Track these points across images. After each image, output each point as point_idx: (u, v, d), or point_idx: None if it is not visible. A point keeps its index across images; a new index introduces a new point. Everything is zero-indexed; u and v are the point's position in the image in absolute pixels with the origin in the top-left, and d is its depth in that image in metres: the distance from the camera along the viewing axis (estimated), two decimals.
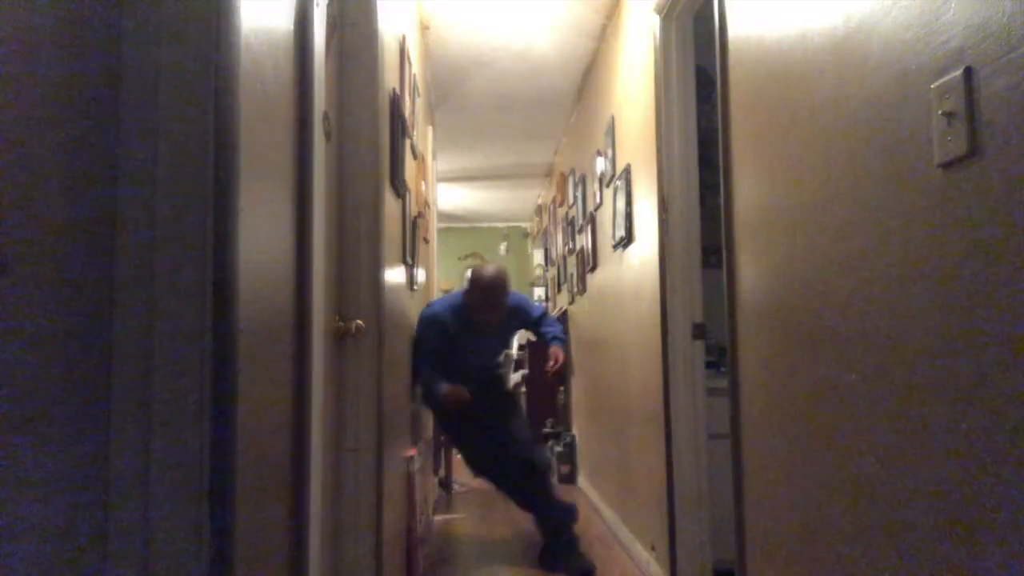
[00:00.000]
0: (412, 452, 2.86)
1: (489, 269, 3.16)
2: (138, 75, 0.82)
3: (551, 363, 3.31)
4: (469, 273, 3.18)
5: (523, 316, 3.40)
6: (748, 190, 1.79)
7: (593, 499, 4.30)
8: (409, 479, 2.78)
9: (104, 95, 0.82)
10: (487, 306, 3.06)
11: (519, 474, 3.07)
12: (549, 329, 3.45)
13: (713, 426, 2.45)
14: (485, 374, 3.28)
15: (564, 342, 3.45)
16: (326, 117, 1.42)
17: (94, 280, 0.80)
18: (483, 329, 3.18)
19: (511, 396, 3.43)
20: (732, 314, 1.88)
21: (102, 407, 0.79)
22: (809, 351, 1.44)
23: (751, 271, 1.78)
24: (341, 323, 1.74)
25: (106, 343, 0.80)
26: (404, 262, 2.73)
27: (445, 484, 4.76)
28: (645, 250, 2.87)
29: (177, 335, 0.80)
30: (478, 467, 3.28)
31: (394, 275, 2.38)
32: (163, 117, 0.82)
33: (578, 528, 3.15)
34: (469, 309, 3.12)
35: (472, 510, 4.16)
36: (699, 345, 2.52)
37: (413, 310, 2.85)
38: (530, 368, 5.31)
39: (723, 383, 2.00)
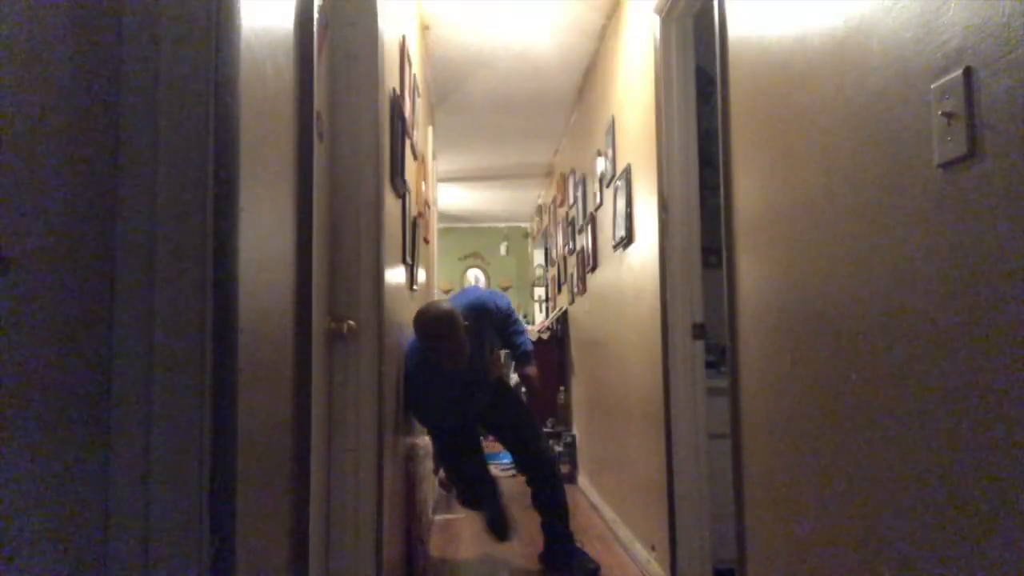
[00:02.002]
0: (415, 444, 2.86)
1: (430, 313, 2.65)
2: (139, 75, 0.82)
3: (526, 389, 3.22)
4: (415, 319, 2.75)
5: (490, 318, 3.00)
6: (748, 190, 1.79)
7: (593, 498, 4.30)
8: (409, 479, 2.78)
9: (105, 94, 0.82)
10: (444, 354, 2.63)
11: (535, 471, 3.06)
12: (518, 340, 3.17)
13: (713, 426, 2.45)
14: (477, 386, 3.00)
15: (530, 354, 3.18)
16: (318, 117, 1.41)
17: (94, 280, 0.80)
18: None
19: (512, 394, 3.29)
20: (732, 314, 1.88)
21: (102, 407, 0.79)
22: (809, 350, 1.43)
23: (751, 271, 1.78)
24: (333, 324, 1.74)
25: (106, 342, 0.79)
26: (404, 262, 2.73)
27: (445, 484, 4.76)
28: (645, 250, 2.87)
29: (177, 335, 0.80)
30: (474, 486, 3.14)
31: (395, 275, 2.38)
32: (164, 117, 0.82)
33: (578, 527, 3.15)
34: (429, 358, 2.73)
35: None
36: (699, 345, 2.52)
37: (414, 310, 2.84)
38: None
39: (723, 383, 2.00)
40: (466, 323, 2.71)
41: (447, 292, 7.05)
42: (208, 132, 0.82)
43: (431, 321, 2.61)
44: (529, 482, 3.11)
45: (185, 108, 0.82)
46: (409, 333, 2.85)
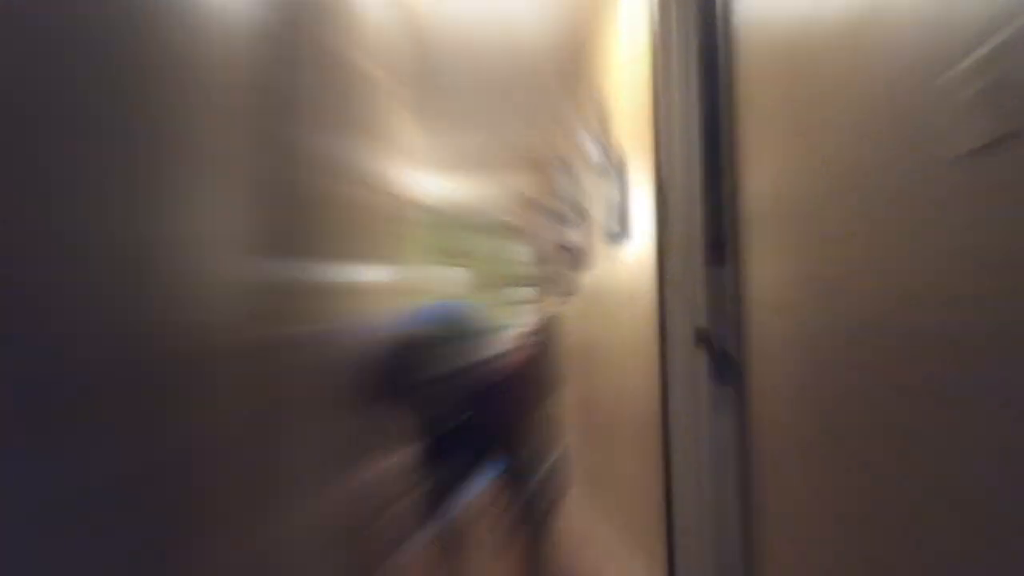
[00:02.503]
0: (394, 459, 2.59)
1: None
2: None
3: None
4: None
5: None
6: (758, 179, 1.54)
7: (587, 519, 4.06)
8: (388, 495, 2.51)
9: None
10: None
11: None
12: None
13: (718, 444, 2.19)
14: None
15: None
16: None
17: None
18: None
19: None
20: (740, 317, 1.63)
21: (97, 410, 0.71)
22: (827, 355, 1.21)
23: (762, 269, 1.53)
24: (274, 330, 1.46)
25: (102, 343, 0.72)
26: (379, 259, 2.46)
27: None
28: (641, 245, 2.62)
29: None
30: None
31: (366, 274, 2.10)
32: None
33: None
34: None
35: None
36: (702, 352, 2.26)
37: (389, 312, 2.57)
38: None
39: (730, 395, 1.75)
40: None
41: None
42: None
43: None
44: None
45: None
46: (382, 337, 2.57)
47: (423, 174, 6.83)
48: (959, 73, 0.91)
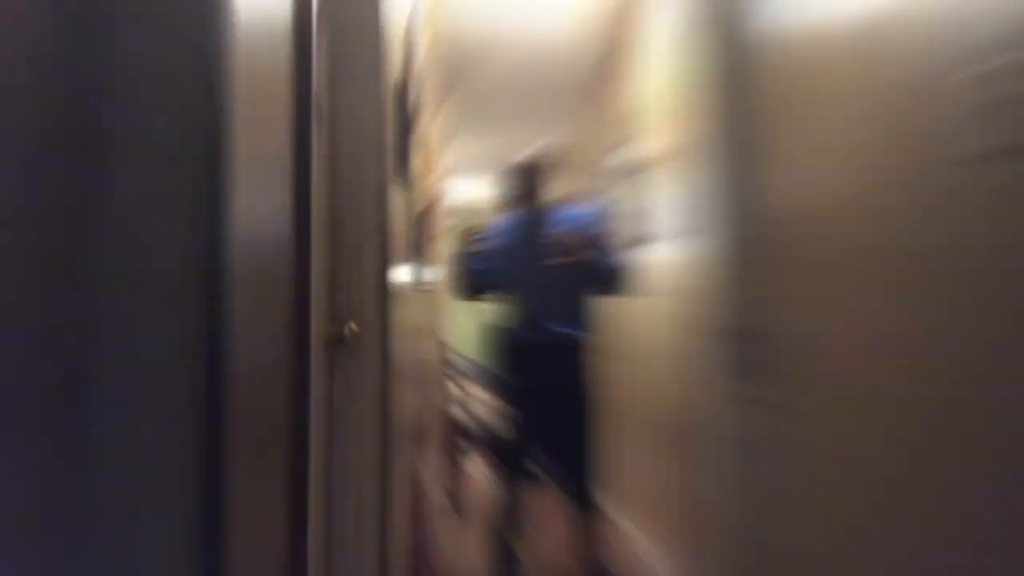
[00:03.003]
0: (424, 458, 2.75)
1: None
2: (124, 59, 0.73)
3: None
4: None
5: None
6: (782, 181, 1.66)
7: (611, 517, 4.20)
8: (417, 492, 2.68)
9: (88, 80, 0.73)
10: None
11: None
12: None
13: (746, 441, 2.31)
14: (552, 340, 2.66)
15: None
16: (318, 104, 1.30)
17: (82, 278, 0.72)
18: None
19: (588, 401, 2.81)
20: (764, 315, 1.76)
21: (93, 410, 0.71)
22: (835, 351, 1.32)
23: (785, 269, 1.65)
24: (333, 327, 1.63)
25: (93, 346, 0.72)
26: (411, 259, 2.62)
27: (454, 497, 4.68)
28: (671, 244, 2.75)
29: (168, 338, 0.71)
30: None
31: (401, 274, 2.27)
32: (149, 104, 0.73)
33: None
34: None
35: (482, 522, 4.08)
36: (730, 351, 2.39)
37: (421, 309, 2.73)
38: None
39: (756, 393, 1.88)
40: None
41: None
42: (198, 120, 0.74)
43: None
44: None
45: (173, 94, 0.73)
46: (422, 335, 2.74)
47: (459, 177, 7.00)
48: (975, 79, 0.93)
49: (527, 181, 2.81)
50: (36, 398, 0.70)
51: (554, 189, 2.93)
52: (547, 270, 2.71)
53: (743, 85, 1.93)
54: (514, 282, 2.72)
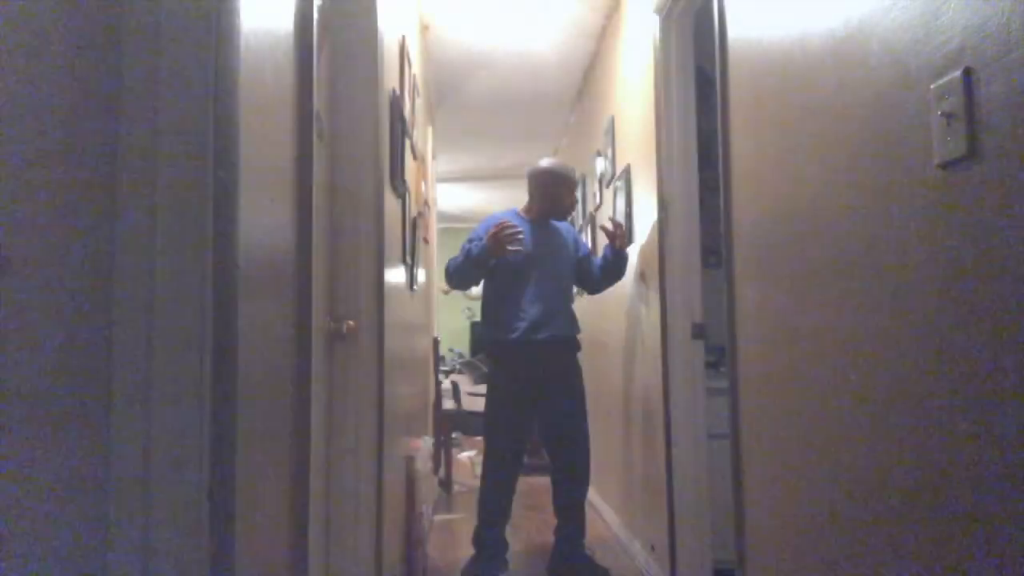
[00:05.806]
0: (416, 445, 2.84)
1: (547, 160, 3.03)
2: (138, 74, 0.82)
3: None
4: (528, 172, 3.02)
5: (575, 248, 3.03)
6: (747, 190, 1.79)
7: (593, 499, 4.30)
8: (410, 480, 2.78)
9: (104, 94, 0.82)
10: (557, 195, 2.89)
11: (570, 469, 2.88)
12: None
13: (713, 426, 2.45)
14: (548, 321, 2.82)
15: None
16: (318, 117, 1.41)
17: (93, 281, 0.80)
18: (549, 241, 2.92)
19: (577, 375, 2.95)
20: (731, 314, 1.88)
21: (102, 407, 0.79)
22: (808, 351, 1.44)
23: (750, 271, 1.78)
24: (333, 323, 1.74)
25: (106, 343, 0.79)
26: (404, 262, 2.73)
27: (445, 484, 4.77)
28: (644, 249, 2.87)
29: (177, 337, 0.79)
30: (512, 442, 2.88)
31: (395, 275, 2.38)
32: (163, 116, 0.81)
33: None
34: (535, 208, 2.94)
35: (472, 510, 4.17)
36: (699, 345, 2.52)
37: (415, 310, 2.84)
38: None
39: (723, 383, 2.00)
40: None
41: (446, 293, 7.02)
42: (208, 132, 0.82)
43: (554, 160, 3.05)
44: (558, 480, 2.90)
45: (185, 108, 0.82)
46: (415, 333, 2.84)
47: (447, 184, 7.11)
48: (933, 92, 0.97)
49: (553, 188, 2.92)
50: (61, 391, 0.76)
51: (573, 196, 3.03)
52: (548, 270, 2.86)
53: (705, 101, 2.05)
54: (514, 281, 2.80)
